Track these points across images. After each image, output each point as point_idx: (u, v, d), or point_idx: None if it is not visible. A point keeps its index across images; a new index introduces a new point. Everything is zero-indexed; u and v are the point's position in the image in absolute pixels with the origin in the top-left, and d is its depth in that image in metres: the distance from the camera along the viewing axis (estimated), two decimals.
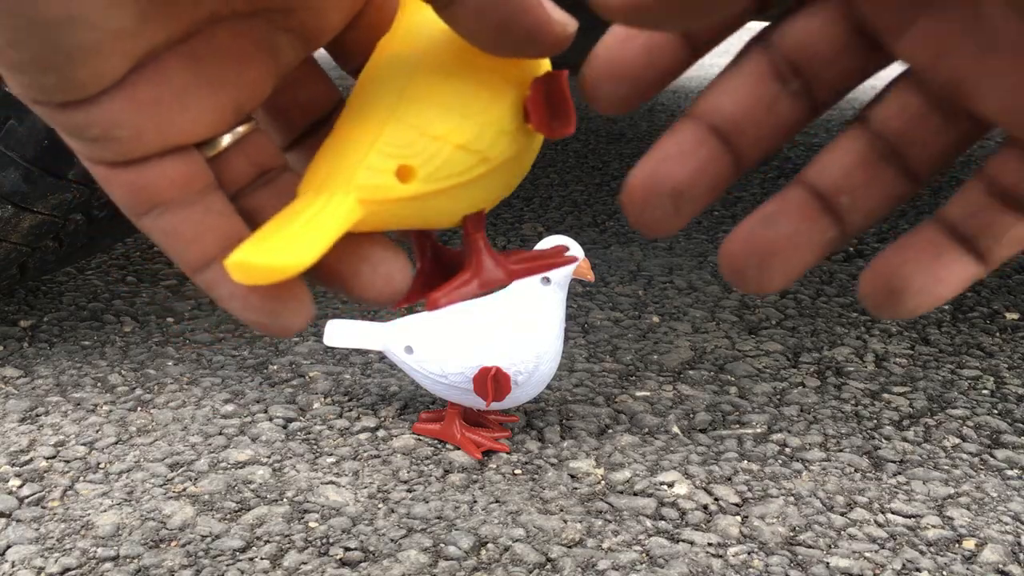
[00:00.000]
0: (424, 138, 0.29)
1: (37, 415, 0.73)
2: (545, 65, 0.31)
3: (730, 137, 0.22)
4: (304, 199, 0.28)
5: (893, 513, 0.64)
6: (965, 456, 0.71)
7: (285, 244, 0.27)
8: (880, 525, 0.62)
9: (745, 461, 0.69)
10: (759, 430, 0.74)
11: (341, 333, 0.71)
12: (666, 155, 0.22)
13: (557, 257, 0.35)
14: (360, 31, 0.28)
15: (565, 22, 0.25)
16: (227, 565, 0.56)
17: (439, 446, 0.70)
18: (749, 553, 0.59)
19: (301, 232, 0.27)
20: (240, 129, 0.26)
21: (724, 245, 0.22)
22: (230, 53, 0.24)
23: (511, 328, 0.66)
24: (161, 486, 0.64)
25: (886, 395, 0.81)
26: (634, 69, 0.23)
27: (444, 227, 0.32)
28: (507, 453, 0.69)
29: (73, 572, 0.55)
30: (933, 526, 0.62)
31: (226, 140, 0.26)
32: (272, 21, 0.25)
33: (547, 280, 0.66)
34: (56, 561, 0.56)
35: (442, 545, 0.58)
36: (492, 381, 0.65)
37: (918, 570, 0.58)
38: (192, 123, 0.24)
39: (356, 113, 0.30)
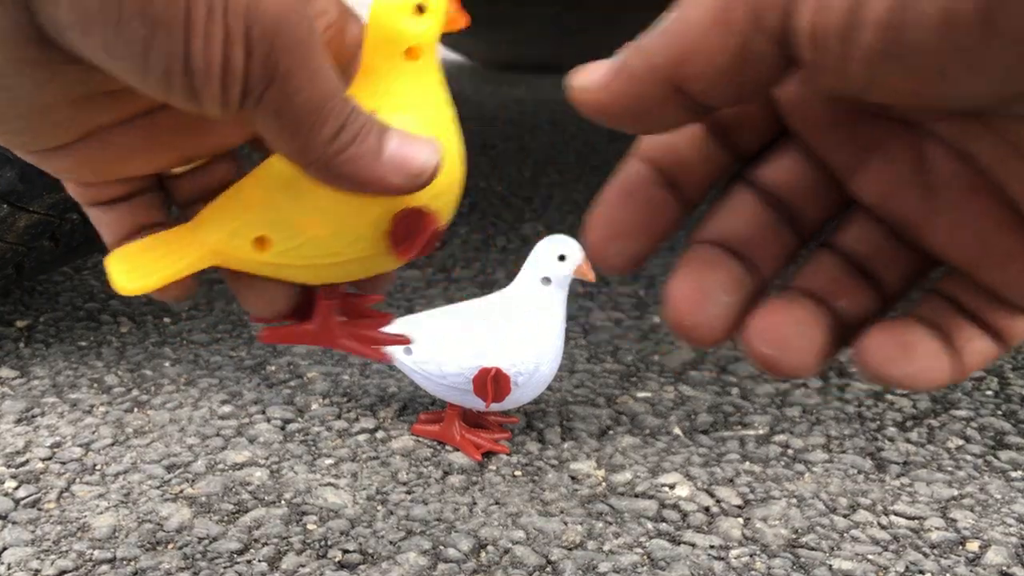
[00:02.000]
0: (289, 224, 0.35)
1: (33, 416, 0.72)
2: (418, 199, 0.35)
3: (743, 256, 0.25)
4: (180, 230, 0.36)
5: (896, 515, 0.63)
6: (969, 458, 0.71)
7: (136, 268, 0.36)
8: (883, 527, 0.62)
9: (747, 463, 0.69)
10: (761, 431, 0.74)
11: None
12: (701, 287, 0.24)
13: (387, 337, 0.42)
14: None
15: (412, 172, 0.30)
16: (224, 567, 0.55)
17: (438, 448, 0.69)
18: (751, 555, 0.58)
19: (153, 262, 0.35)
20: (188, 166, 0.34)
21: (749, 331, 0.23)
22: (175, 127, 0.31)
23: (511, 329, 0.65)
24: (158, 488, 0.63)
25: (889, 396, 0.80)
26: (635, 227, 0.24)
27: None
28: (507, 455, 0.68)
29: (69, 574, 0.54)
30: (936, 528, 0.62)
31: (177, 170, 0.34)
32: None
33: (547, 280, 0.65)
34: (52, 563, 0.55)
35: (441, 547, 0.58)
36: (492, 382, 0.64)
37: (921, 572, 0.57)
38: (135, 170, 0.32)
39: (257, 177, 0.36)
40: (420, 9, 0.37)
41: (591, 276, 0.65)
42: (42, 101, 0.27)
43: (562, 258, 0.64)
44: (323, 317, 0.42)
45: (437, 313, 0.69)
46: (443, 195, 0.37)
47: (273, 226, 0.37)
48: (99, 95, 0.28)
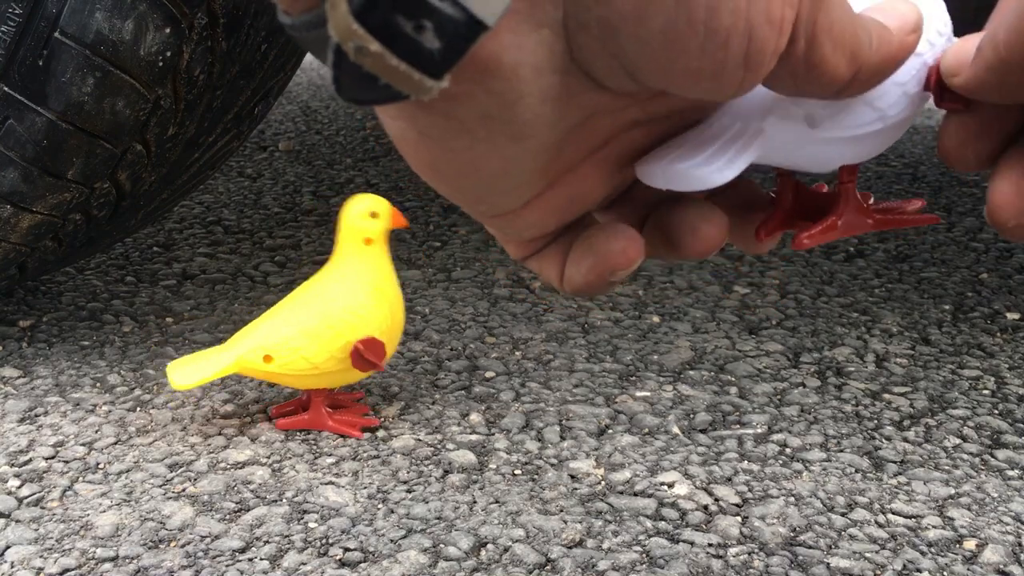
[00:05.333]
0: (286, 346, 0.68)
1: (36, 415, 0.73)
2: (372, 331, 0.68)
3: None
4: (221, 346, 0.69)
5: (894, 513, 0.63)
6: (966, 456, 0.71)
7: (184, 373, 0.67)
8: (881, 525, 0.62)
9: (745, 461, 0.69)
10: (759, 430, 0.74)
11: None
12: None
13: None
14: None
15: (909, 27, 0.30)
16: (226, 565, 0.56)
17: (438, 447, 0.70)
18: (749, 554, 0.59)
19: (196, 370, 0.68)
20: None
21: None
22: (633, 149, 0.28)
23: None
24: (160, 486, 0.64)
25: (887, 395, 0.81)
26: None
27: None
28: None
29: (72, 572, 0.55)
30: (934, 526, 0.62)
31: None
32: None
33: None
34: (55, 562, 0.56)
35: (442, 546, 0.58)
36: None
37: (919, 571, 0.57)
38: (590, 205, 0.29)
39: (280, 306, 0.71)
40: (373, 215, 0.69)
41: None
42: (549, 140, 0.25)
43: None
44: (316, 409, 0.70)
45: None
46: (389, 333, 0.69)
47: (275, 348, 0.67)
48: (598, 122, 0.26)
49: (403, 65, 0.20)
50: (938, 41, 0.41)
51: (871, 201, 0.37)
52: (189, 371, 0.67)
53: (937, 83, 0.34)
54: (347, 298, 0.69)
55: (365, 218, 0.69)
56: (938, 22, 0.43)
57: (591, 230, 0.29)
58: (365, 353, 0.68)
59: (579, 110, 0.25)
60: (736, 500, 0.64)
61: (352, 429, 0.70)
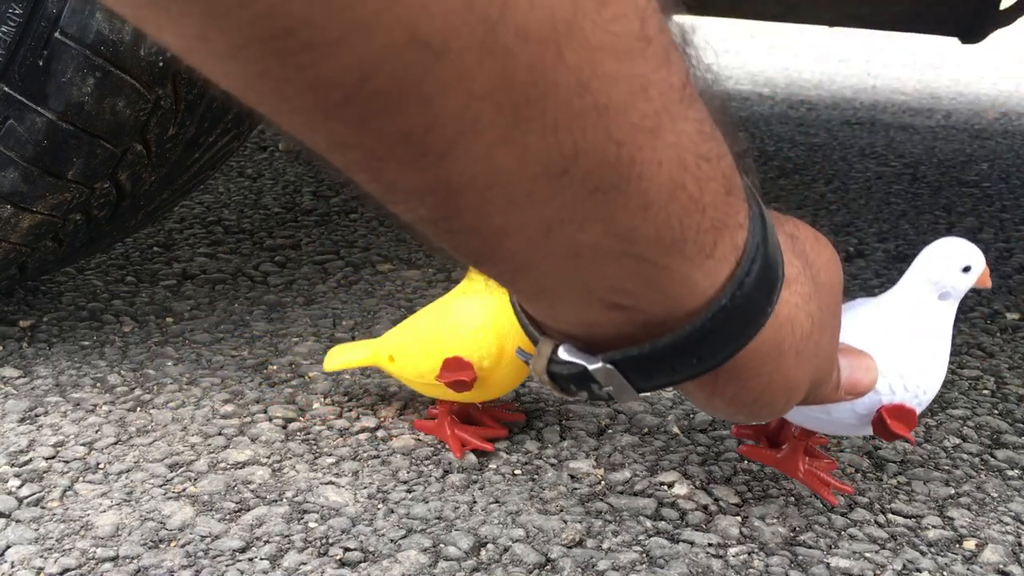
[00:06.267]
0: (404, 350, 0.68)
1: (36, 415, 0.73)
2: (463, 352, 0.65)
3: None
4: (368, 341, 0.74)
5: (894, 513, 0.63)
6: (966, 456, 0.71)
7: (335, 357, 0.74)
8: (881, 525, 0.62)
9: (745, 461, 0.69)
10: None
11: None
12: None
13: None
14: None
15: (860, 392, 0.47)
16: (226, 565, 0.56)
17: (438, 447, 0.70)
18: (749, 553, 0.59)
19: (344, 357, 0.73)
20: None
21: None
22: None
23: (908, 353, 0.56)
24: (160, 486, 0.64)
25: None
26: None
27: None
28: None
29: (72, 572, 0.55)
30: (934, 526, 0.62)
31: None
32: None
33: (947, 295, 0.56)
34: (55, 561, 0.56)
35: (442, 545, 0.58)
36: (896, 420, 0.56)
37: (919, 570, 0.57)
38: None
39: (425, 308, 0.70)
40: None
41: (989, 283, 0.57)
42: None
43: (966, 269, 0.55)
44: (439, 418, 0.70)
45: None
46: (489, 360, 0.65)
47: (397, 349, 0.69)
48: None
49: (585, 395, 0.35)
50: (901, 393, 0.55)
51: (811, 460, 0.62)
52: (339, 356, 0.73)
53: (879, 419, 0.53)
54: (460, 315, 0.66)
55: None
56: (915, 380, 0.56)
57: None
58: (446, 371, 0.65)
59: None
60: (736, 500, 0.64)
61: (457, 446, 0.68)
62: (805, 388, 0.39)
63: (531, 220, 0.27)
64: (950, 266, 0.55)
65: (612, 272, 0.29)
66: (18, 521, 0.59)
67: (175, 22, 0.22)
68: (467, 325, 0.65)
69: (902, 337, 0.56)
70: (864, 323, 0.56)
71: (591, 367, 0.34)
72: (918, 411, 0.56)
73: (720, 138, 0.30)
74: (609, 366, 0.34)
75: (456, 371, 0.64)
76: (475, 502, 0.63)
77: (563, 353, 0.35)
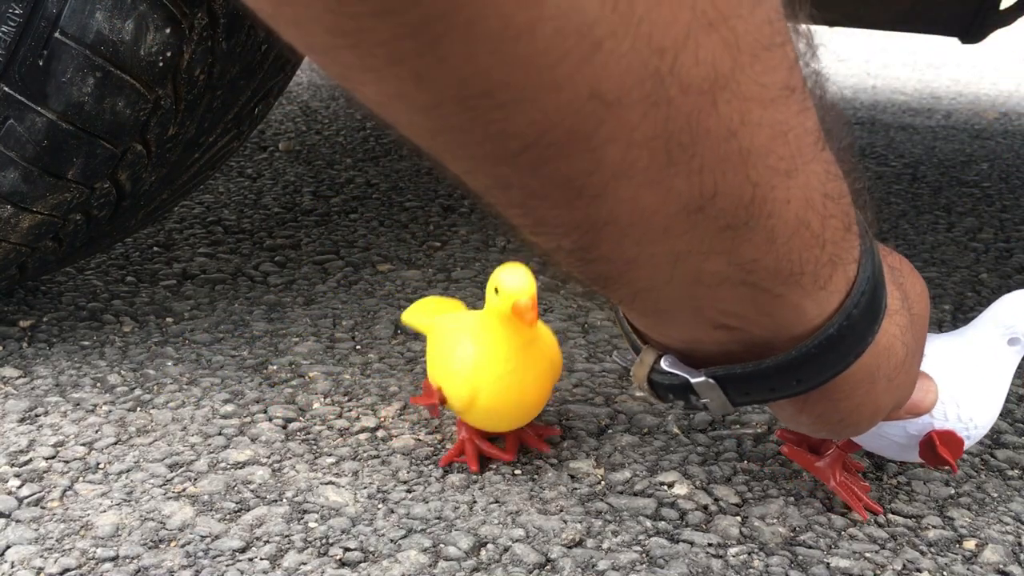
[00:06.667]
0: (444, 373, 0.65)
1: (36, 415, 0.73)
2: (441, 381, 0.65)
3: None
4: (459, 310, 0.74)
5: (894, 513, 0.63)
6: (966, 456, 0.71)
7: (412, 313, 0.76)
8: (881, 525, 0.62)
9: (745, 461, 0.69)
10: (759, 430, 0.74)
11: None
12: None
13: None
14: None
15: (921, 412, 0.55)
16: (226, 565, 0.56)
17: (438, 447, 0.70)
18: (749, 553, 0.59)
19: (419, 315, 0.76)
20: None
21: None
22: None
23: (968, 387, 0.58)
24: (160, 486, 0.64)
25: None
26: None
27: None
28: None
29: (72, 572, 0.55)
30: (934, 526, 0.62)
31: None
32: None
33: (1016, 341, 0.59)
34: (56, 561, 0.56)
35: (442, 545, 0.58)
36: (944, 446, 0.58)
37: (919, 570, 0.57)
38: None
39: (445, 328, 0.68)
40: (496, 290, 0.60)
41: None
42: None
43: None
44: (461, 435, 0.68)
45: None
46: (460, 397, 0.63)
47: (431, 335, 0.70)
48: None
49: (681, 404, 0.38)
50: (954, 422, 0.57)
51: (845, 474, 0.63)
52: (413, 313, 0.76)
53: (927, 442, 0.57)
54: (450, 341, 0.65)
55: (490, 289, 0.61)
56: (969, 412, 0.58)
57: None
58: (420, 396, 0.68)
59: None
60: (736, 500, 0.64)
61: (474, 462, 0.66)
62: (888, 411, 0.41)
63: (662, 252, 0.28)
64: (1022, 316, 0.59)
65: (726, 297, 0.31)
66: (18, 521, 0.59)
67: (381, 81, 0.23)
68: (450, 361, 0.64)
69: (966, 371, 0.59)
70: (933, 354, 0.58)
71: (694, 380, 0.36)
72: (966, 444, 0.59)
73: (843, 177, 0.31)
74: (711, 380, 0.35)
75: (428, 395, 0.66)
76: (475, 502, 0.63)
77: (665, 364, 0.36)
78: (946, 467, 0.59)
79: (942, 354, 0.59)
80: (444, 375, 0.64)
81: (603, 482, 0.66)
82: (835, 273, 0.32)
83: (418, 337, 0.89)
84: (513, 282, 0.59)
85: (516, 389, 0.62)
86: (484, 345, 0.62)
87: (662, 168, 0.25)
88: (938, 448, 0.57)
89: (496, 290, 0.60)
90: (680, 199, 0.26)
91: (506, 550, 0.58)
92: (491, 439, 0.68)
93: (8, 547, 0.57)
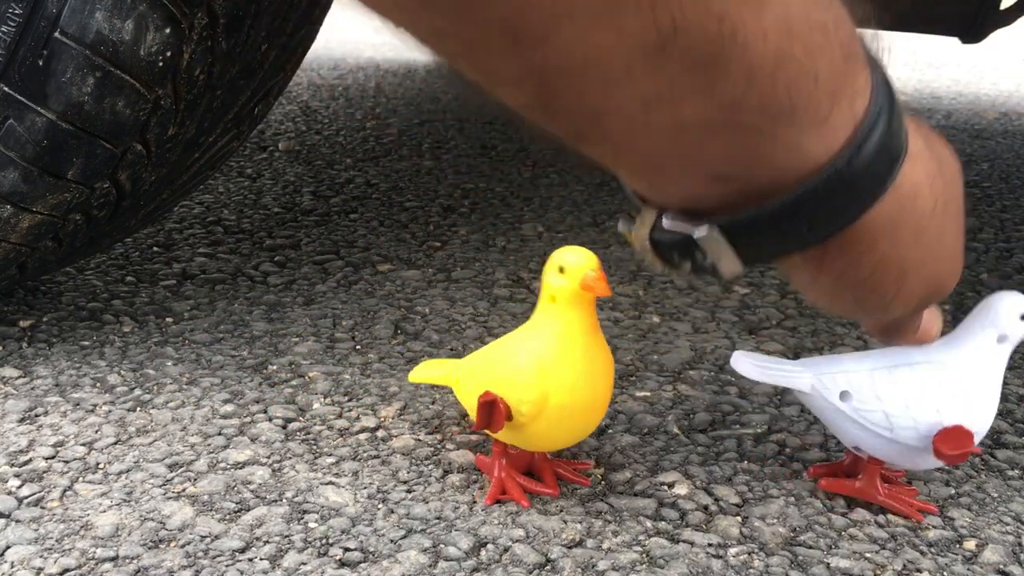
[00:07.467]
0: (463, 379, 0.66)
1: (36, 415, 0.73)
2: (502, 391, 0.59)
3: None
4: (452, 362, 0.70)
5: (894, 513, 0.63)
6: None
7: (419, 371, 0.73)
8: (881, 526, 0.62)
9: (745, 461, 0.69)
10: (759, 430, 0.74)
11: (751, 364, 0.65)
12: None
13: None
14: None
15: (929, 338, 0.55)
16: (226, 565, 0.56)
17: (438, 447, 0.70)
18: (749, 554, 0.59)
19: (427, 373, 0.72)
20: None
21: None
22: None
23: (966, 386, 0.60)
24: (160, 486, 0.64)
25: None
26: None
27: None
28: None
29: (72, 572, 0.55)
30: (934, 527, 0.62)
31: None
32: None
33: (1004, 338, 0.61)
34: (55, 562, 0.56)
35: (442, 546, 0.58)
36: (955, 435, 0.59)
37: (919, 570, 0.57)
38: None
39: (488, 346, 0.66)
40: (561, 270, 0.57)
41: None
42: None
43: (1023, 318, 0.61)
44: (495, 456, 0.64)
45: (876, 362, 0.62)
46: (530, 404, 0.58)
47: (462, 374, 0.66)
48: None
49: (688, 266, 0.36)
50: (962, 416, 0.59)
51: (886, 486, 0.63)
52: (424, 372, 0.72)
53: (943, 435, 0.59)
54: (503, 352, 0.62)
55: (553, 272, 0.58)
56: (970, 413, 0.60)
57: None
58: (479, 410, 0.59)
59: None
60: (736, 500, 0.64)
61: (496, 491, 0.63)
62: (919, 283, 0.37)
63: (628, 98, 0.26)
64: (1011, 315, 0.61)
65: (716, 144, 0.29)
66: (18, 521, 0.59)
67: None
68: (512, 363, 0.59)
69: (964, 373, 0.60)
70: (931, 356, 0.62)
71: (696, 235, 0.33)
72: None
73: (838, 3, 0.29)
74: (715, 231, 0.32)
75: (484, 412, 0.59)
76: (475, 502, 0.63)
77: (666, 222, 0.34)
78: (967, 455, 0.59)
79: (940, 356, 0.60)
80: (505, 382, 0.59)
81: (603, 482, 0.66)
82: (836, 107, 0.30)
83: (418, 337, 0.89)
84: (576, 258, 0.57)
85: (588, 385, 0.59)
86: (549, 338, 0.58)
87: (605, 6, 0.24)
88: (956, 436, 0.59)
89: (561, 269, 0.57)
90: (635, 38, 0.24)
91: (506, 550, 0.58)
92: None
93: (8, 547, 0.57)
